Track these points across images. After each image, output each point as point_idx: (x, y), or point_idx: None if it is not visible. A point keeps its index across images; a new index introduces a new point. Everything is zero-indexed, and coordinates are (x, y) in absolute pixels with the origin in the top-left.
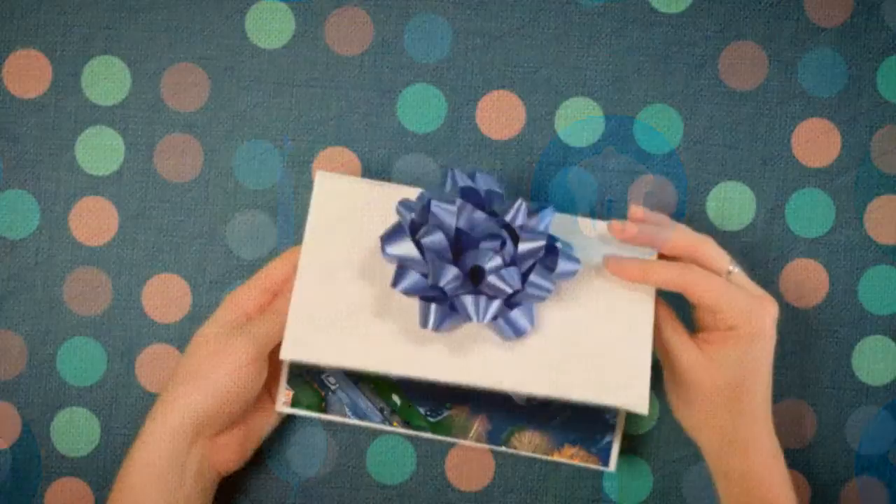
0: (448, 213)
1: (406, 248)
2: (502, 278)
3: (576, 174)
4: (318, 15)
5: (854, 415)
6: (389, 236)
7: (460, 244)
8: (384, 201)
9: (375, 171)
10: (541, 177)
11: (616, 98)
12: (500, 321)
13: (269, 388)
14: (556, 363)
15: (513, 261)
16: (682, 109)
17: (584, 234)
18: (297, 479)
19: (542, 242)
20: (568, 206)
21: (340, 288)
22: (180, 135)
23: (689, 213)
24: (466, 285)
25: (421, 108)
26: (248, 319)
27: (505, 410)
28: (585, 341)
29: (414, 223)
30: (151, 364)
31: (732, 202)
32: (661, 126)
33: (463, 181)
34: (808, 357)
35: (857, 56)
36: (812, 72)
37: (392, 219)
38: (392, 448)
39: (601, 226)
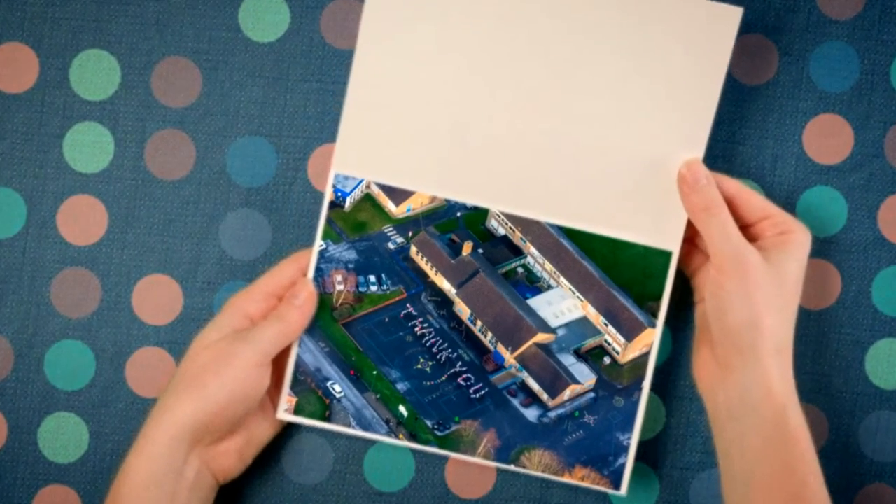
0: None
1: None
2: None
3: None
4: (314, 7)
5: (867, 420)
6: None
7: None
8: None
9: None
10: None
11: None
12: None
13: (270, 395)
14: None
15: None
16: None
17: None
18: (293, 487)
19: None
20: None
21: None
22: (171, 131)
23: None
24: None
25: None
26: (252, 324)
27: (516, 427)
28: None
29: None
30: (142, 368)
31: None
32: None
33: None
34: (819, 360)
35: (870, 49)
36: (824, 66)
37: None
38: (391, 454)
39: None
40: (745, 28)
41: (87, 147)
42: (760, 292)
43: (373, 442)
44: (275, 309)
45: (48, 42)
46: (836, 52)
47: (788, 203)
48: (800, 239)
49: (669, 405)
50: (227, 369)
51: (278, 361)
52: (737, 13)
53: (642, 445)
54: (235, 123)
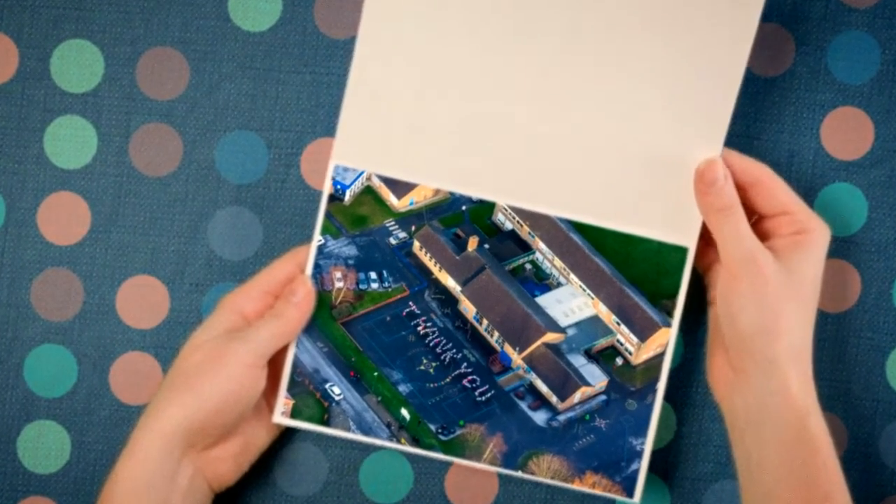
0: None
1: None
2: None
3: None
4: None
5: (889, 428)
6: None
7: None
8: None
9: None
10: None
11: None
12: None
13: (267, 398)
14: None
15: None
16: None
17: None
18: (287, 499)
19: None
20: None
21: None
22: (157, 125)
23: None
24: None
25: None
26: (247, 324)
27: (523, 431)
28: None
29: None
30: (126, 373)
31: None
32: None
33: None
34: (838, 366)
35: (891, 39)
36: (843, 56)
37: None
38: (388, 464)
39: None
40: (761, 17)
41: (69, 142)
42: (773, 295)
43: (369, 451)
44: (271, 307)
45: (28, 32)
46: (856, 42)
47: (806, 201)
48: (816, 239)
49: (681, 413)
50: (220, 370)
51: (275, 363)
52: (759, 2)
53: (653, 455)
54: (225, 117)
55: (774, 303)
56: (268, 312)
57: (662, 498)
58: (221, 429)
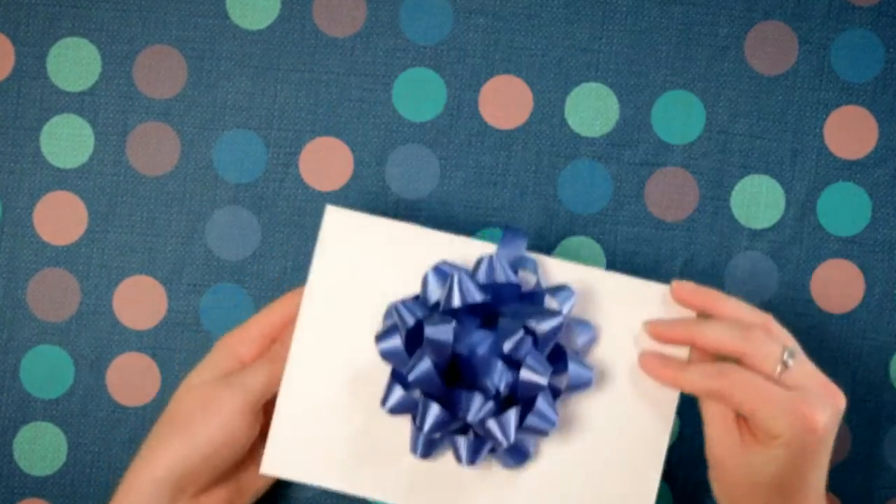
0: (442, 333)
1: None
2: (496, 425)
3: (587, 167)
4: None
5: (893, 430)
6: (384, 337)
7: (458, 366)
8: (403, 253)
9: (368, 163)
10: (549, 170)
11: (632, 84)
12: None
13: (265, 442)
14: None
15: (513, 389)
16: (704, 96)
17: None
18: (285, 500)
19: (544, 379)
20: (579, 203)
21: (330, 398)
22: (155, 124)
23: (712, 211)
24: (455, 424)
25: (418, 95)
26: (242, 367)
27: None
28: (589, 470)
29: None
30: (123, 374)
31: (759, 198)
32: (681, 114)
33: (470, 295)
34: (841, 367)
35: (895, 37)
36: (846, 55)
37: (412, 274)
38: None
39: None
40: (763, 14)
41: (66, 141)
42: (736, 489)
43: None
44: (267, 351)
45: (24, 29)
46: (859, 40)
47: (809, 201)
48: (789, 441)
49: (682, 414)
50: (212, 416)
51: (271, 407)
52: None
53: None
54: (223, 116)
55: (739, 496)
56: (263, 357)
57: (665, 501)
58: (213, 474)
